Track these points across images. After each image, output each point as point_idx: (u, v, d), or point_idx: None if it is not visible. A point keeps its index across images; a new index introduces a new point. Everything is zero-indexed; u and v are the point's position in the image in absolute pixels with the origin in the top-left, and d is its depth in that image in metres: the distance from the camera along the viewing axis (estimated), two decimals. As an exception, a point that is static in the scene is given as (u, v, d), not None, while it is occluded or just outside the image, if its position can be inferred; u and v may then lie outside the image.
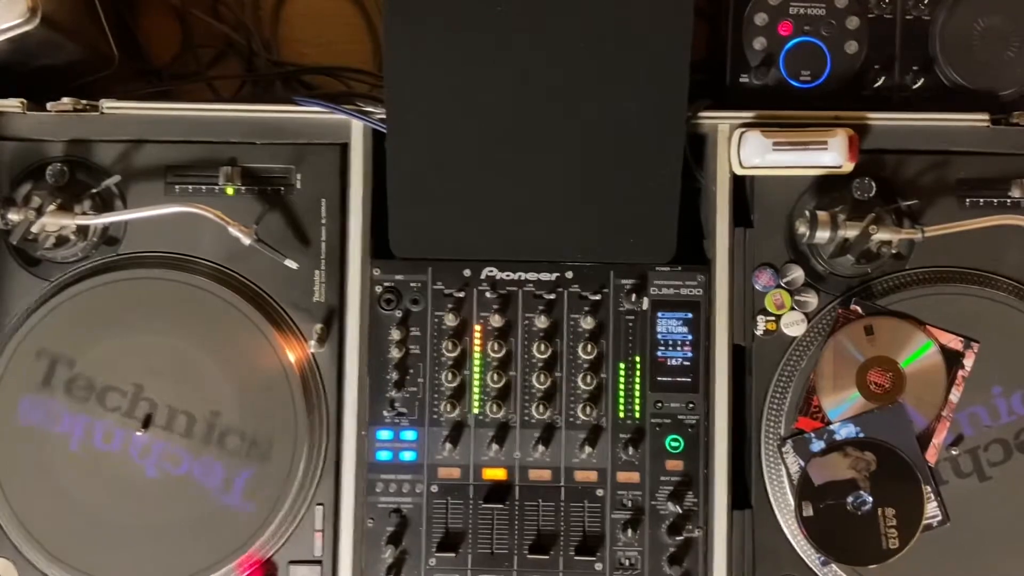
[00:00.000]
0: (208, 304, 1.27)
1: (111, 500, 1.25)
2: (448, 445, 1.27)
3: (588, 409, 1.27)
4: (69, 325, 1.26)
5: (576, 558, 1.26)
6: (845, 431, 1.25)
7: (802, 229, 1.25)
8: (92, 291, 1.26)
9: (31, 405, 1.26)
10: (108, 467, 1.25)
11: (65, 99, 1.29)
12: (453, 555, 1.26)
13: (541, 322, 1.28)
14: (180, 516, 1.25)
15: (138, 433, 1.25)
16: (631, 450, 1.26)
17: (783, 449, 1.26)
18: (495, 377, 1.28)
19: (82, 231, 1.26)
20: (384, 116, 1.28)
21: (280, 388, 1.26)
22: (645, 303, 1.29)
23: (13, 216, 1.22)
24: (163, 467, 1.25)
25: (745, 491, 1.29)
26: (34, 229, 1.22)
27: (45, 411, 1.25)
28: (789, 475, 1.26)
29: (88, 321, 1.26)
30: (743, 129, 1.27)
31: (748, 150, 1.26)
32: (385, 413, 1.28)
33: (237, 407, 1.26)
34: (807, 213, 1.25)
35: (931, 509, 1.24)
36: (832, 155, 1.24)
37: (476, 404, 1.28)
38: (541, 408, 1.27)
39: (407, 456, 1.27)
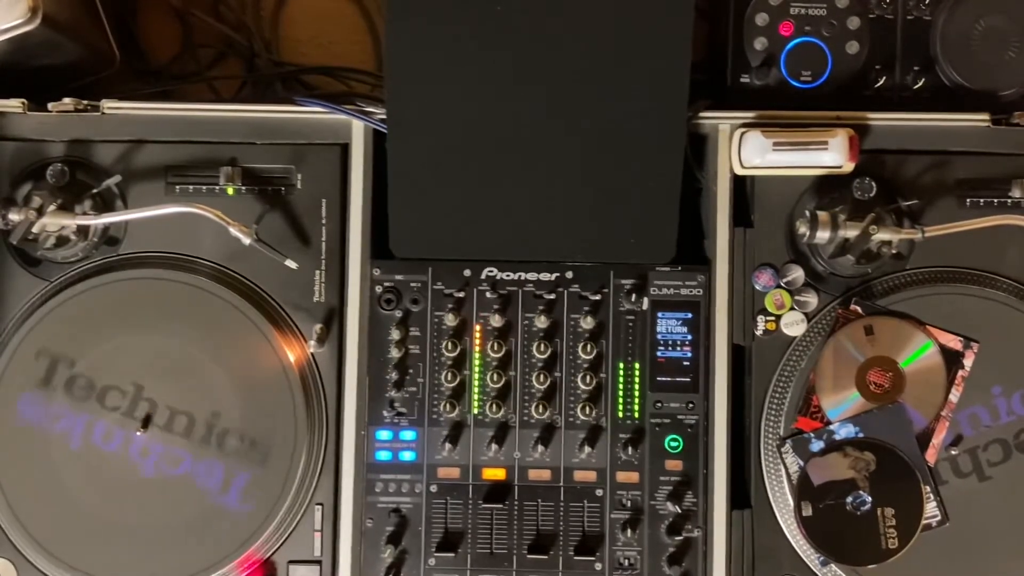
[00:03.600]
0: (208, 304, 1.27)
1: (111, 500, 1.25)
2: (448, 445, 1.27)
3: (588, 409, 1.27)
4: (69, 325, 1.26)
5: (575, 558, 1.26)
6: (845, 431, 1.25)
7: (802, 229, 1.25)
8: (92, 291, 1.26)
9: (31, 404, 1.26)
10: (108, 467, 1.25)
11: (66, 99, 1.29)
12: (452, 555, 1.26)
13: (541, 322, 1.28)
14: (180, 516, 1.25)
15: (138, 433, 1.25)
16: (630, 450, 1.26)
17: (783, 449, 1.26)
18: (495, 377, 1.28)
19: (82, 231, 1.26)
20: (384, 116, 1.28)
21: (280, 388, 1.26)
22: (645, 303, 1.29)
23: (13, 216, 1.22)
24: (163, 467, 1.25)
25: (744, 491, 1.29)
26: (34, 229, 1.22)
27: (45, 411, 1.25)
28: (789, 475, 1.26)
29: (88, 321, 1.26)
30: (743, 129, 1.27)
31: (748, 150, 1.26)
32: (385, 413, 1.28)
33: (237, 407, 1.26)
34: (807, 213, 1.25)
35: (930, 509, 1.24)
36: (832, 155, 1.24)
37: (476, 404, 1.28)
38: (541, 408, 1.27)
39: (406, 456, 1.27)
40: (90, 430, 1.25)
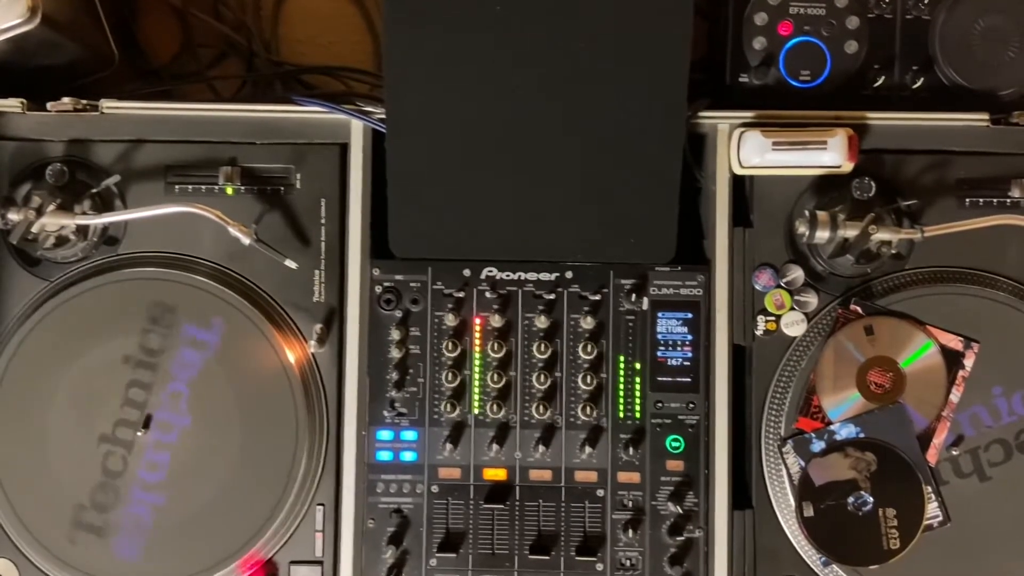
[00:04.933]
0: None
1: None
2: (448, 445, 1.27)
3: (588, 409, 1.27)
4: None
5: (577, 558, 1.26)
6: (845, 431, 1.25)
7: (802, 229, 1.25)
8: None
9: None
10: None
11: (65, 99, 1.29)
12: (454, 555, 1.26)
13: (541, 322, 1.28)
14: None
15: (139, 433, 1.25)
16: (631, 450, 1.26)
17: (783, 449, 1.26)
18: (495, 377, 1.28)
19: (82, 231, 1.26)
20: (384, 116, 1.28)
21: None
22: (645, 303, 1.29)
23: (13, 216, 1.22)
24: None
25: (746, 491, 1.29)
26: (34, 229, 1.22)
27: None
28: (790, 475, 1.26)
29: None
30: (743, 129, 1.27)
31: (748, 150, 1.26)
32: (385, 413, 1.28)
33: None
34: (807, 213, 1.25)
35: (932, 509, 1.24)
36: (832, 155, 1.24)
37: (476, 404, 1.28)
38: (541, 408, 1.27)
39: (407, 456, 1.27)
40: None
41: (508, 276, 1.29)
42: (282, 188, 1.30)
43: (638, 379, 1.28)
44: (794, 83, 1.37)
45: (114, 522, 1.25)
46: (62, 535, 1.24)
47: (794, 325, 1.28)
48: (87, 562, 1.24)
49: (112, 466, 1.25)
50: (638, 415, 1.28)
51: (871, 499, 1.23)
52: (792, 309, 1.29)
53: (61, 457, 1.25)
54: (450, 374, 1.27)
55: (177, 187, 1.30)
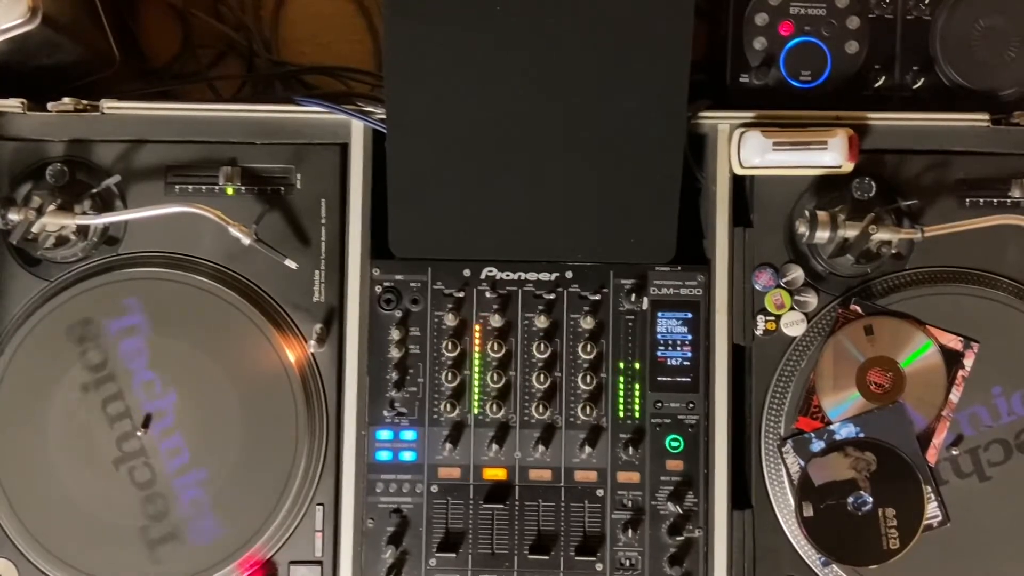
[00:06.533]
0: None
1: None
2: (448, 445, 1.27)
3: (588, 409, 1.27)
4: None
5: (576, 558, 1.26)
6: (845, 431, 1.25)
7: (802, 229, 1.25)
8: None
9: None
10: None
11: (65, 99, 1.29)
12: (453, 555, 1.26)
13: (541, 322, 1.28)
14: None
15: (138, 433, 1.25)
16: (631, 450, 1.26)
17: (783, 449, 1.26)
18: (495, 377, 1.28)
19: (82, 231, 1.26)
20: (384, 116, 1.28)
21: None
22: (645, 303, 1.29)
23: (13, 216, 1.22)
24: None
25: (745, 491, 1.29)
26: (34, 229, 1.22)
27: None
28: (789, 475, 1.26)
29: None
30: (743, 129, 1.27)
31: (748, 150, 1.26)
32: (385, 413, 1.28)
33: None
34: (807, 213, 1.25)
35: (931, 509, 1.24)
36: (832, 155, 1.24)
37: (476, 404, 1.28)
38: (541, 408, 1.27)
39: (407, 456, 1.27)
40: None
41: (508, 276, 1.29)
42: (282, 188, 1.30)
43: (638, 379, 1.28)
44: (794, 83, 1.37)
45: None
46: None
47: (794, 325, 1.28)
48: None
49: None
50: (638, 415, 1.28)
51: (871, 499, 1.23)
52: (792, 309, 1.29)
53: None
54: (450, 374, 1.27)
55: (177, 187, 1.30)
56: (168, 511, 1.25)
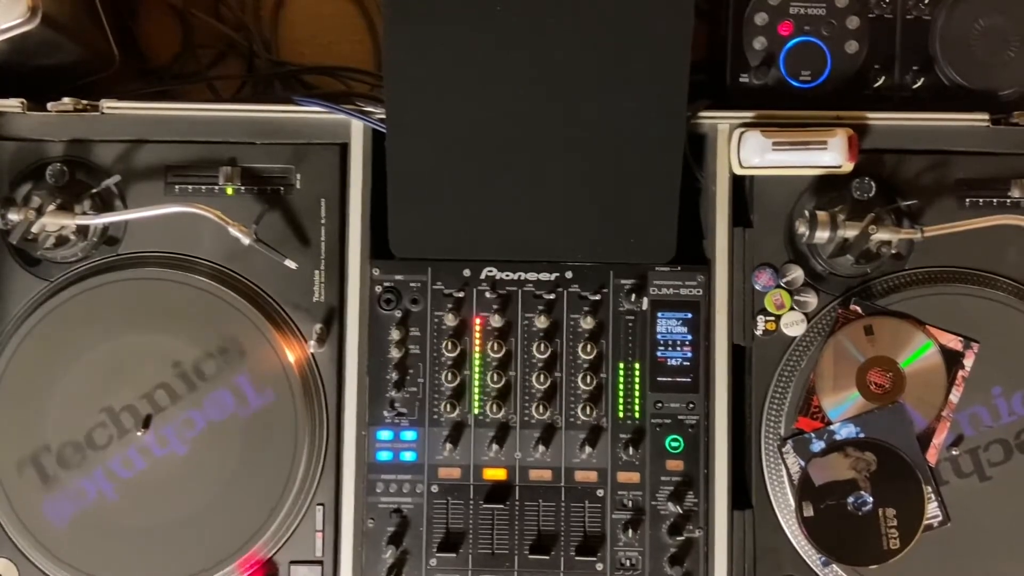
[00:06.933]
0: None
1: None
2: (448, 445, 1.27)
3: (588, 409, 1.27)
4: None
5: (577, 558, 1.26)
6: (845, 431, 1.25)
7: (802, 229, 1.25)
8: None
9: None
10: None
11: (65, 99, 1.29)
12: (454, 555, 1.26)
13: (541, 322, 1.28)
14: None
15: (138, 433, 1.25)
16: (631, 450, 1.26)
17: (783, 449, 1.26)
18: (495, 377, 1.28)
19: (82, 231, 1.26)
20: (384, 116, 1.28)
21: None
22: (645, 303, 1.29)
23: (13, 216, 1.22)
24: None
25: (745, 491, 1.29)
26: (34, 229, 1.22)
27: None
28: (789, 475, 1.26)
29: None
30: (743, 129, 1.27)
31: (748, 150, 1.26)
32: (385, 413, 1.28)
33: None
34: (807, 213, 1.25)
35: (932, 509, 1.24)
36: (832, 155, 1.24)
37: (476, 404, 1.28)
38: (541, 408, 1.27)
39: (407, 456, 1.27)
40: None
41: (508, 276, 1.29)
42: (282, 188, 1.30)
43: (638, 379, 1.28)
44: (794, 83, 1.37)
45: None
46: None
47: (794, 325, 1.28)
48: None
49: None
50: (638, 415, 1.28)
51: (871, 499, 1.23)
52: (792, 309, 1.29)
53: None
54: (450, 374, 1.27)
55: (177, 187, 1.30)
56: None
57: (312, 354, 1.28)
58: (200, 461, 1.25)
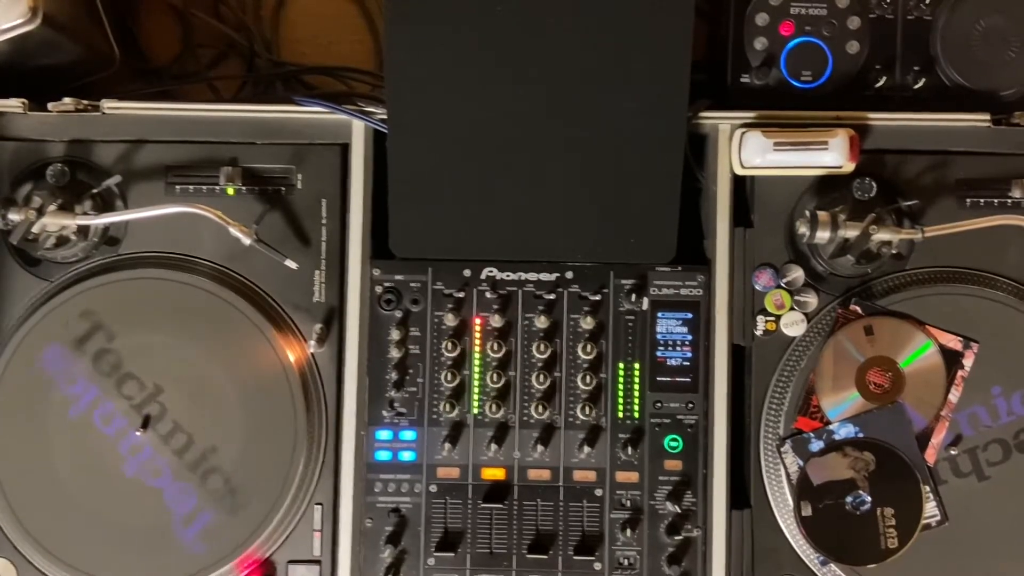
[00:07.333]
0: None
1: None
2: (447, 445, 1.27)
3: (587, 409, 1.27)
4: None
5: (575, 558, 1.26)
6: (844, 431, 1.25)
7: (802, 229, 1.25)
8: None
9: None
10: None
11: (66, 99, 1.29)
12: (452, 555, 1.26)
13: (541, 322, 1.28)
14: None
15: (137, 433, 1.25)
16: (630, 450, 1.26)
17: (782, 449, 1.26)
18: (494, 377, 1.28)
19: (83, 231, 1.26)
20: (384, 116, 1.28)
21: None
22: (645, 303, 1.29)
23: (13, 216, 1.22)
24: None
25: (744, 491, 1.29)
26: (34, 229, 1.22)
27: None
28: (788, 475, 1.26)
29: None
30: (744, 129, 1.27)
31: (748, 150, 1.26)
32: (384, 413, 1.28)
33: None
34: (807, 213, 1.25)
35: (930, 509, 1.24)
36: (833, 155, 1.24)
37: (475, 404, 1.28)
38: (540, 408, 1.27)
39: (406, 456, 1.28)
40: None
41: (508, 276, 1.29)
42: (283, 188, 1.30)
43: (637, 379, 1.28)
44: (795, 83, 1.37)
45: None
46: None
47: (794, 325, 1.28)
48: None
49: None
50: (637, 415, 1.28)
51: (869, 498, 1.23)
52: (792, 309, 1.28)
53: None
54: (449, 374, 1.27)
55: (178, 187, 1.30)
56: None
57: (312, 354, 1.29)
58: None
